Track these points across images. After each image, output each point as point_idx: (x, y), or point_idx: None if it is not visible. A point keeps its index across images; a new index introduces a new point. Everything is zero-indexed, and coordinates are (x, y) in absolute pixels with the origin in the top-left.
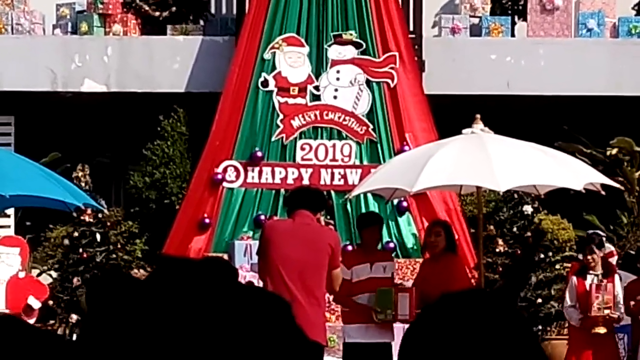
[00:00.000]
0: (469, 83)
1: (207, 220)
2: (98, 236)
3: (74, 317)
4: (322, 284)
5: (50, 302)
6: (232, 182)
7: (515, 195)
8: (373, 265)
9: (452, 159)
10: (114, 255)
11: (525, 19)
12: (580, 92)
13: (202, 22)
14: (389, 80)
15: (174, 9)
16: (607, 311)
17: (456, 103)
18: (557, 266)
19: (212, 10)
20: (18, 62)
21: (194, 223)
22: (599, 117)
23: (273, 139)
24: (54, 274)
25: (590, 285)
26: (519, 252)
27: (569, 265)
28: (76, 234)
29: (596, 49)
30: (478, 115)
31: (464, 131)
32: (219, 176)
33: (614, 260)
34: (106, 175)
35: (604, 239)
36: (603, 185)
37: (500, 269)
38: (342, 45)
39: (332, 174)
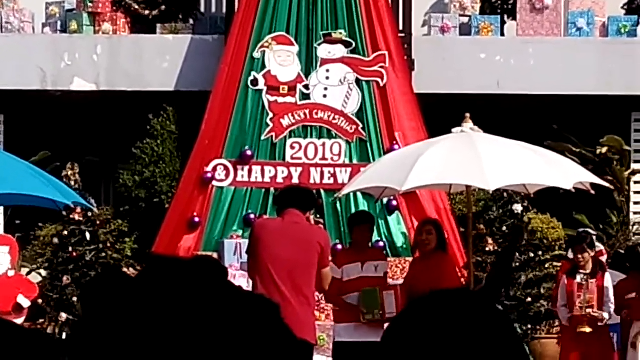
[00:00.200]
0: (459, 82)
1: (196, 219)
2: (88, 235)
3: (64, 316)
4: (311, 283)
5: (40, 301)
6: (221, 180)
7: (505, 195)
8: (364, 265)
9: (442, 158)
10: (104, 254)
11: (514, 18)
12: (570, 91)
13: (191, 21)
14: (379, 79)
15: (163, 7)
16: (589, 310)
17: (446, 102)
18: (547, 265)
19: (202, 9)
20: (7, 60)
21: (183, 222)
22: (589, 116)
23: (263, 137)
24: (44, 273)
25: (573, 284)
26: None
27: (559, 264)
28: (66, 232)
29: (586, 48)
30: (468, 115)
31: (453, 130)
32: (209, 175)
33: (603, 259)
34: (96, 173)
35: (594, 237)
36: (593, 185)
37: (490, 267)
38: (331, 44)
39: (322, 172)
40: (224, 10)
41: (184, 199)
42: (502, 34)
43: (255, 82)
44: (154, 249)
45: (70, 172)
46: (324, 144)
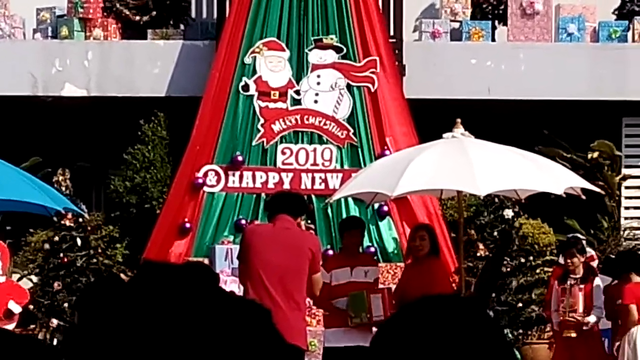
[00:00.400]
0: (450, 87)
1: (187, 225)
2: (79, 240)
3: (55, 322)
4: (302, 289)
5: (31, 307)
6: (212, 186)
7: (496, 200)
8: (354, 270)
9: (433, 164)
10: (95, 260)
11: (505, 24)
12: (561, 96)
13: (182, 27)
14: (370, 85)
15: (154, 13)
16: (572, 314)
17: (436, 107)
18: (538, 270)
19: (193, 15)
20: None
21: (174, 227)
22: (580, 121)
23: (254, 143)
24: (35, 279)
25: (557, 289)
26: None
27: (550, 269)
28: (57, 238)
29: (576, 54)
30: (459, 120)
31: (444, 135)
32: (200, 180)
33: (594, 264)
34: (87, 179)
35: (584, 242)
36: (583, 190)
37: (479, 273)
38: (322, 50)
39: (313, 178)
40: (215, 15)
41: (175, 205)
42: (493, 40)
43: (246, 87)
44: (144, 255)
45: (61, 178)
46: (315, 150)
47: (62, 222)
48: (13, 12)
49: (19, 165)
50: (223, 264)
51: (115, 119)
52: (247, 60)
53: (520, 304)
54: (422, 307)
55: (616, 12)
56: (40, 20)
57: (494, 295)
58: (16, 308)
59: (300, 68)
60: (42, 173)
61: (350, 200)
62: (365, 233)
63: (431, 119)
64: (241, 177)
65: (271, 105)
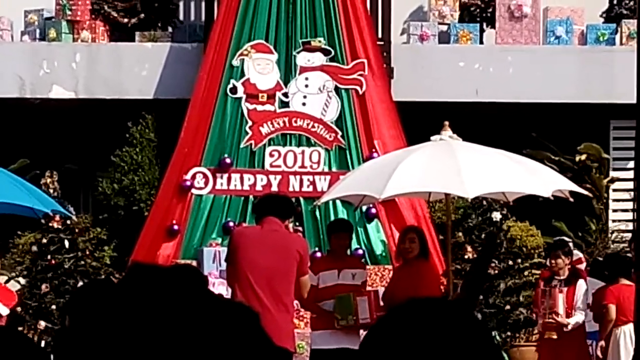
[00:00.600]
0: (438, 90)
1: (175, 227)
2: (66, 243)
3: (42, 324)
4: (290, 291)
5: (19, 309)
6: (200, 188)
7: (484, 202)
8: (341, 272)
9: (421, 166)
10: (83, 262)
11: (493, 27)
12: (549, 99)
13: (170, 29)
14: (358, 87)
15: (142, 15)
16: (551, 316)
17: (424, 110)
18: (526, 273)
19: (181, 17)
20: None
21: (162, 229)
22: (568, 124)
23: (242, 145)
24: (22, 281)
25: (538, 291)
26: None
27: (538, 272)
28: (44, 240)
29: (564, 57)
30: (447, 122)
31: (432, 138)
32: (188, 183)
33: (582, 266)
34: (74, 181)
35: (571, 245)
36: (571, 192)
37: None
38: (310, 52)
39: (301, 180)
40: (203, 18)
41: (163, 207)
42: (481, 42)
43: (234, 90)
44: (132, 257)
45: (49, 180)
46: (303, 152)
47: (50, 224)
48: (0, 14)
49: (7, 167)
50: (211, 266)
51: (103, 121)
52: (235, 62)
53: (508, 307)
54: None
55: (604, 15)
56: (28, 23)
57: (481, 297)
58: (4, 310)
59: (288, 70)
60: (30, 175)
61: (338, 202)
62: (353, 235)
63: (419, 122)
64: (229, 179)
65: (259, 107)
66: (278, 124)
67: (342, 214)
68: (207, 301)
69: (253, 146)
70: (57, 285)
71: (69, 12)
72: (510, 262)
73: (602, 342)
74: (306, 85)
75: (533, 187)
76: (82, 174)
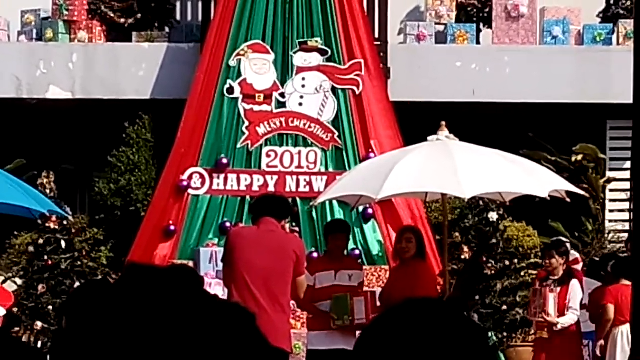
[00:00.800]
0: (434, 90)
1: (172, 227)
2: (63, 243)
3: (39, 324)
4: (286, 291)
5: (15, 310)
6: (197, 189)
7: (481, 203)
8: (338, 273)
9: (418, 166)
10: (79, 263)
11: (490, 27)
12: (546, 99)
13: (167, 29)
14: (355, 87)
15: (139, 16)
16: (542, 315)
17: (421, 110)
18: (522, 273)
19: (178, 17)
20: None
21: (159, 230)
22: (564, 124)
23: (238, 145)
24: (19, 281)
25: (530, 290)
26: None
27: (534, 272)
28: (41, 241)
29: (561, 57)
30: (443, 123)
31: (429, 138)
32: (185, 183)
33: (579, 267)
34: (71, 182)
35: (568, 245)
36: (568, 193)
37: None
38: (307, 52)
39: (298, 180)
40: (200, 18)
41: (160, 207)
42: (478, 42)
43: (231, 90)
44: (129, 257)
45: (45, 181)
46: (299, 152)
47: (47, 224)
48: None
49: (3, 167)
50: (207, 266)
51: (100, 122)
52: (232, 62)
53: (504, 307)
54: (405, 310)
55: (601, 15)
56: (25, 23)
57: (478, 298)
58: (0, 311)
59: (285, 71)
60: (28, 176)
61: (334, 203)
62: (350, 236)
63: (416, 122)
64: (226, 179)
65: (256, 107)
66: (275, 124)
67: (339, 214)
68: (203, 302)
69: (250, 146)
70: (54, 286)
71: (65, 13)
72: (507, 263)
73: (602, 342)
74: (303, 86)
75: (530, 188)
76: (78, 174)
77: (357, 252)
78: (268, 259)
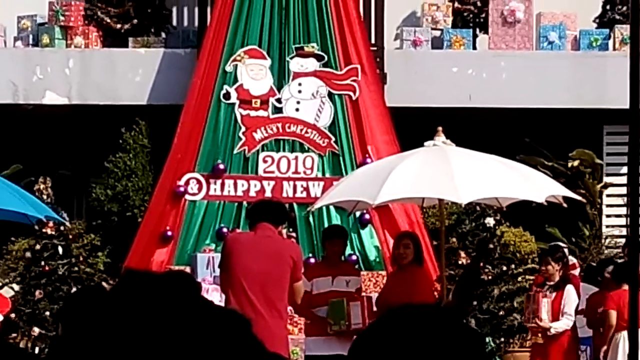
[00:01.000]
0: (431, 95)
1: (169, 233)
2: (60, 249)
3: (36, 330)
4: (284, 297)
5: (12, 315)
6: (194, 194)
7: (478, 208)
8: (335, 279)
9: (414, 172)
10: (76, 268)
11: (486, 32)
12: (542, 104)
13: (163, 35)
14: (351, 93)
15: (135, 21)
16: (533, 320)
17: (418, 115)
18: (519, 279)
19: (174, 23)
20: None
21: (156, 236)
22: (561, 129)
23: (235, 151)
24: (16, 287)
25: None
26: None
27: (532, 277)
28: (38, 246)
29: (557, 62)
30: (440, 128)
31: (425, 144)
32: (181, 189)
33: (576, 272)
34: (68, 187)
35: (566, 250)
36: (565, 198)
37: (456, 282)
38: (303, 58)
39: (295, 186)
40: (196, 23)
41: (157, 213)
42: (474, 48)
43: (227, 95)
44: (126, 263)
45: (42, 186)
46: (296, 158)
47: (44, 230)
48: None
49: (0, 173)
50: (205, 272)
51: (96, 127)
52: (229, 68)
53: (502, 312)
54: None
55: (597, 20)
56: (21, 28)
57: (475, 303)
58: None
59: (281, 76)
60: (25, 182)
61: (331, 208)
62: (347, 241)
63: (412, 127)
64: (223, 185)
65: (252, 113)
66: (271, 129)
67: (336, 219)
68: (200, 308)
69: (246, 152)
70: (51, 292)
71: (62, 18)
72: (504, 268)
73: (605, 347)
74: (299, 91)
75: (526, 193)
76: (75, 179)
77: (354, 257)
78: (265, 265)
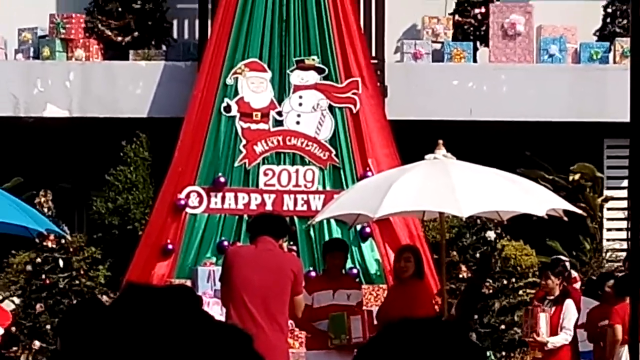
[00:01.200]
0: (431, 109)
1: (170, 246)
2: (61, 262)
3: (37, 344)
4: (284, 310)
5: (13, 329)
6: (195, 207)
7: (478, 221)
8: (336, 292)
9: (415, 185)
10: (77, 282)
11: (487, 45)
12: (543, 117)
13: (164, 47)
14: (352, 106)
15: (136, 34)
16: (531, 335)
17: (418, 128)
18: (520, 292)
19: (175, 36)
20: None
21: (157, 249)
22: (561, 143)
23: (236, 164)
24: (17, 300)
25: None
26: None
27: (533, 291)
28: (39, 259)
29: (558, 75)
30: (440, 141)
31: (426, 157)
32: (182, 202)
33: (577, 286)
34: (69, 201)
35: (567, 264)
36: (565, 211)
37: (459, 296)
38: (304, 71)
39: (295, 199)
40: (197, 36)
41: (157, 226)
42: (475, 61)
43: (228, 108)
44: (127, 277)
45: (43, 199)
46: (297, 171)
47: (44, 243)
48: None
49: (1, 186)
50: (205, 285)
51: (97, 140)
52: (229, 81)
53: (502, 326)
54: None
55: (597, 33)
56: (22, 41)
57: (476, 317)
58: None
59: (282, 89)
60: (27, 195)
61: (332, 221)
62: (348, 255)
63: (413, 140)
64: (223, 198)
65: (253, 126)
66: (272, 142)
67: (337, 233)
68: (201, 322)
69: (247, 165)
70: (52, 305)
71: (62, 31)
72: (505, 282)
73: None
74: (300, 104)
75: (527, 206)
76: (76, 193)
77: (355, 271)
78: (266, 278)
